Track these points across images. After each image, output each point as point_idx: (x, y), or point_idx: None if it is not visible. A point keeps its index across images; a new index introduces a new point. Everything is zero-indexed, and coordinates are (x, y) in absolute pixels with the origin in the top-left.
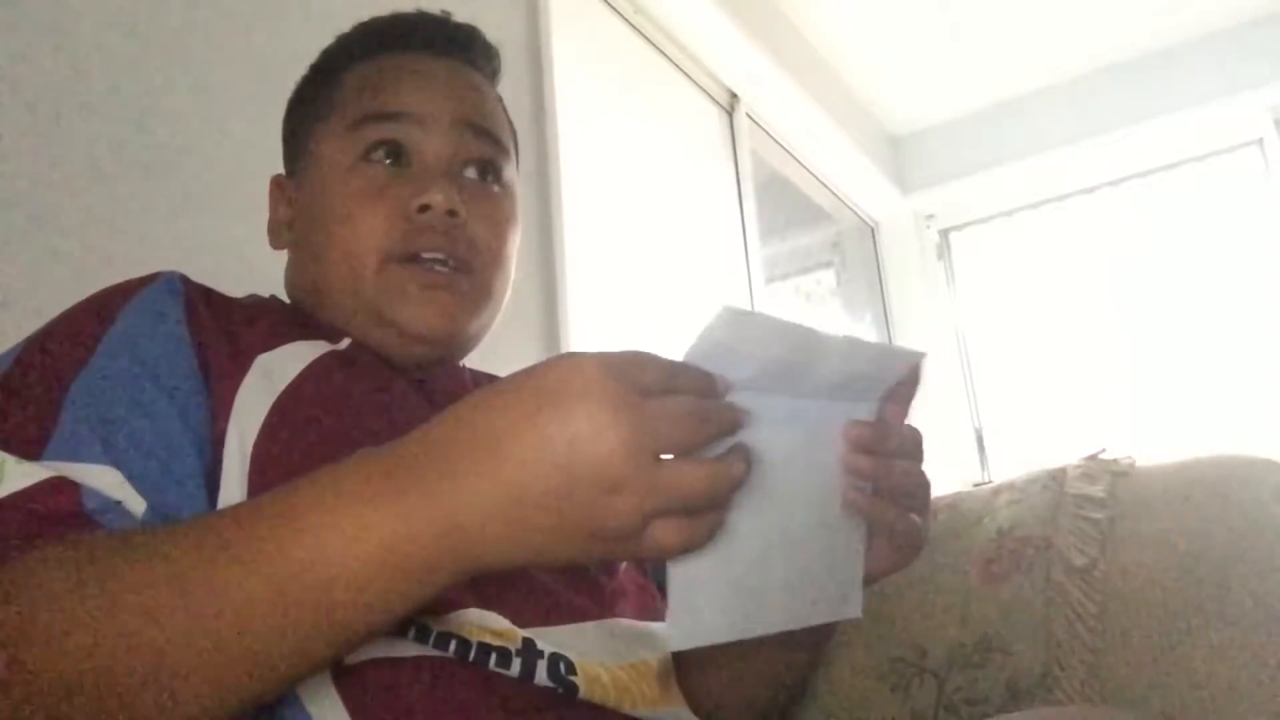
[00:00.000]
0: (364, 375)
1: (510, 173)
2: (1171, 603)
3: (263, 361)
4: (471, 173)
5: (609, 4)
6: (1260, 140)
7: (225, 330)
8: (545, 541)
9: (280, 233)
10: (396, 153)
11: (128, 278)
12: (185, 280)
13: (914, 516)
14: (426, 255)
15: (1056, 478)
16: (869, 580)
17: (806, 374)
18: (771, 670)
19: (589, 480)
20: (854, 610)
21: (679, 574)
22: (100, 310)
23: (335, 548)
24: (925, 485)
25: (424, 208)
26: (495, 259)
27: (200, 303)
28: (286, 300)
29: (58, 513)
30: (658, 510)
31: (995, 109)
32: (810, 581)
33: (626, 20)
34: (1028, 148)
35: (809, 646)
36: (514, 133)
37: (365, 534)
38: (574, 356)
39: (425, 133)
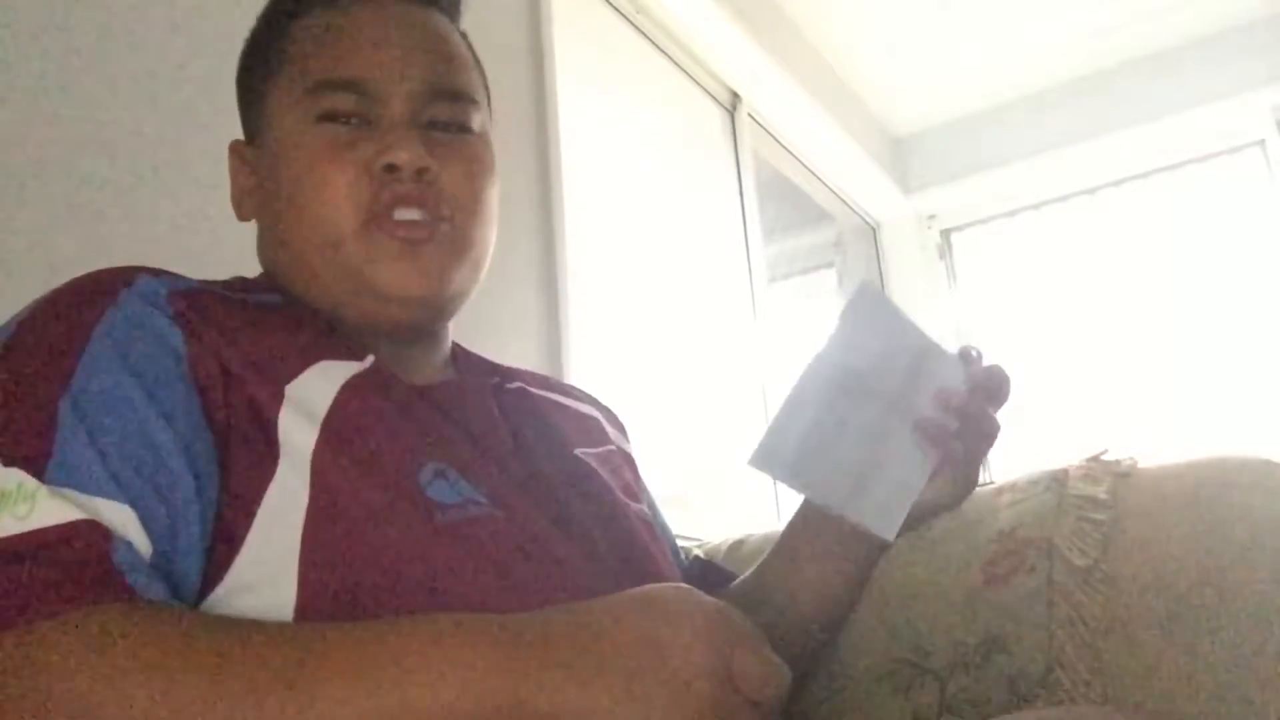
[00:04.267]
0: (393, 398)
1: (481, 119)
2: (1173, 604)
3: (293, 391)
4: (440, 126)
5: (610, 3)
6: (1262, 141)
7: (229, 339)
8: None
9: (244, 202)
10: (359, 116)
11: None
12: (170, 291)
13: (976, 455)
14: (401, 217)
15: (1058, 478)
16: (925, 513)
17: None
18: (821, 576)
19: (662, 681)
20: (890, 533)
21: (789, 411)
22: (77, 310)
23: (446, 703)
24: (995, 430)
25: (391, 167)
26: (473, 208)
27: (190, 311)
28: (260, 275)
29: (90, 562)
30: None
31: (997, 109)
32: (872, 480)
33: (628, 20)
34: (1029, 148)
35: (849, 563)
36: (484, 75)
37: (477, 698)
38: (699, 593)
39: (388, 95)
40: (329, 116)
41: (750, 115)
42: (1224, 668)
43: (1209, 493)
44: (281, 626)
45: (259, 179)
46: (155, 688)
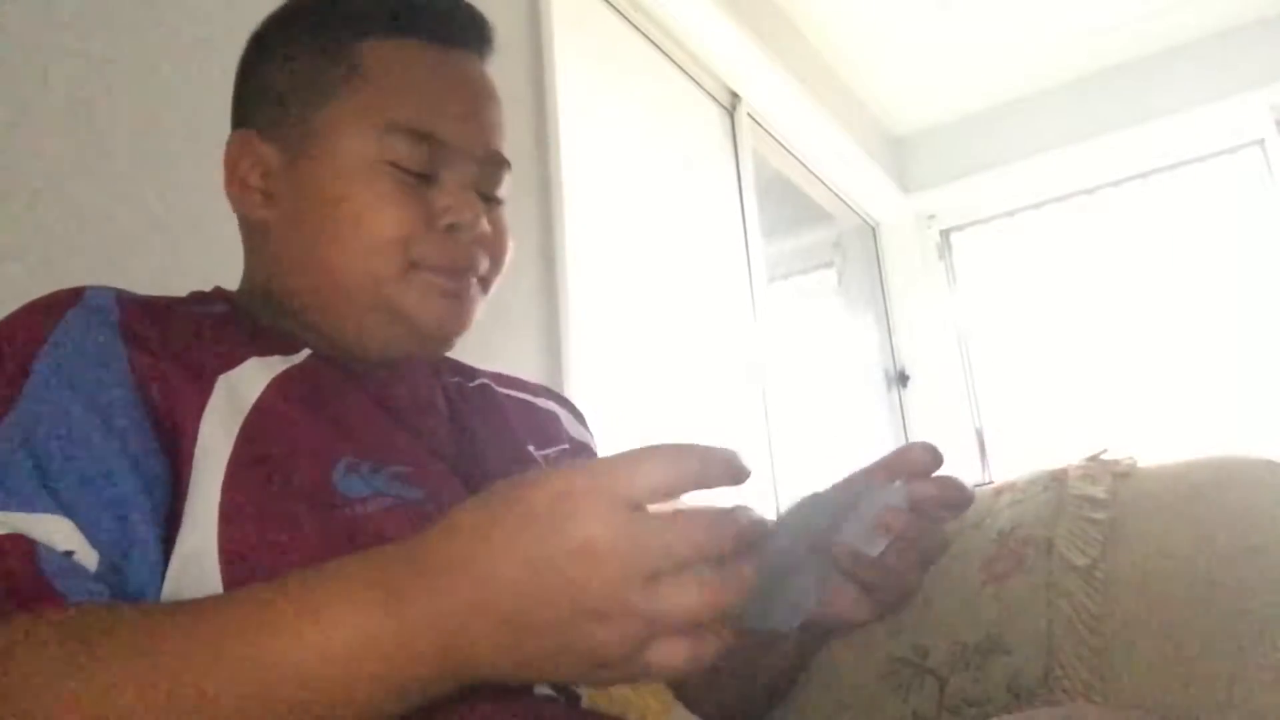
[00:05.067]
0: (324, 390)
1: (509, 182)
2: (1173, 604)
3: (224, 382)
4: (485, 193)
5: (610, 3)
6: (1262, 141)
7: (173, 350)
8: (542, 664)
9: (252, 200)
10: (425, 168)
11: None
12: (118, 297)
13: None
14: (447, 268)
15: (1058, 478)
16: (845, 626)
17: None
18: (750, 671)
19: (575, 610)
20: (794, 624)
21: None
22: (22, 335)
23: (338, 654)
24: (935, 548)
25: (453, 227)
26: (499, 267)
27: (137, 324)
28: (230, 291)
29: (13, 575)
30: (653, 636)
31: (996, 109)
32: (775, 595)
33: (627, 19)
34: (1029, 148)
35: (786, 653)
36: None
37: (367, 643)
38: (563, 474)
39: (452, 161)
40: (394, 162)
41: (750, 115)
42: (1224, 668)
43: (1209, 493)
44: (178, 606)
45: (280, 185)
46: (45, 692)
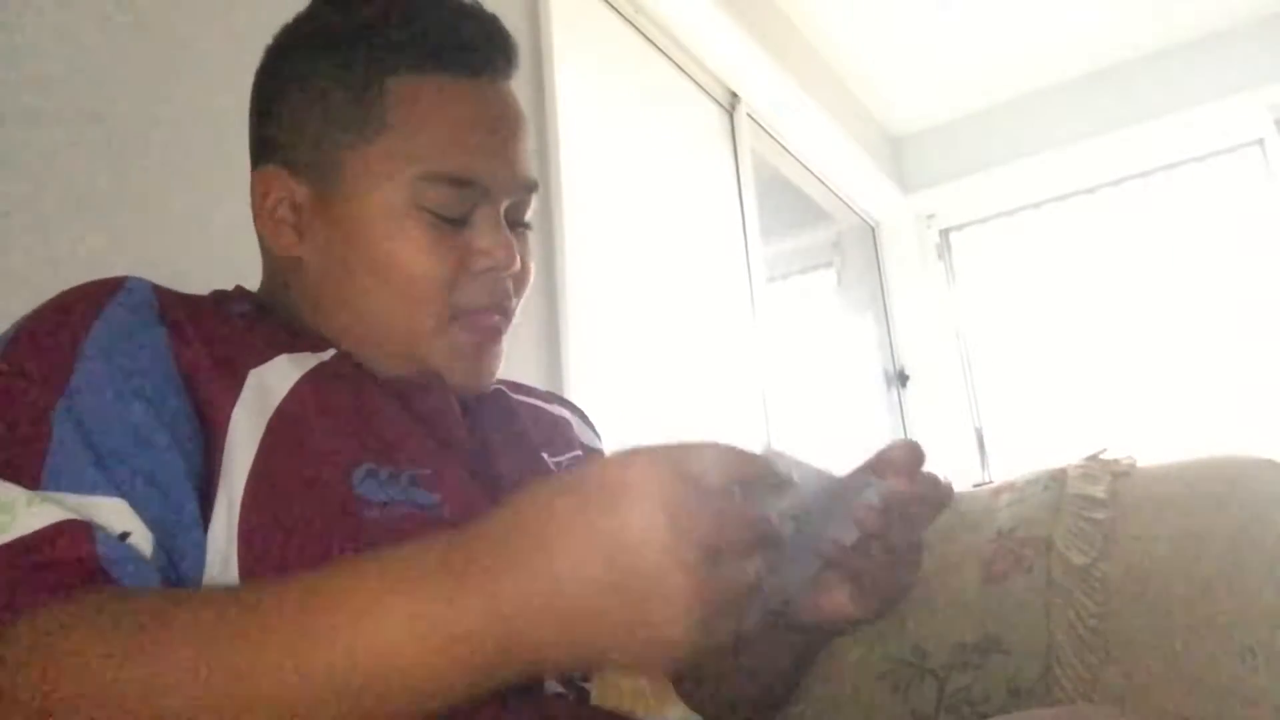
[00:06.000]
0: (351, 390)
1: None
2: (1172, 603)
3: (255, 376)
4: (514, 222)
5: (609, 4)
6: (1261, 140)
7: (207, 342)
8: (600, 646)
9: (285, 236)
10: (461, 211)
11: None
12: (155, 288)
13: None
14: (481, 312)
15: (1057, 478)
16: (835, 632)
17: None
18: (755, 667)
19: (636, 587)
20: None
21: None
22: (69, 321)
23: (392, 642)
24: (907, 552)
25: (491, 269)
26: (523, 293)
27: (176, 313)
28: (253, 291)
29: (71, 560)
30: (712, 612)
31: (995, 109)
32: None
33: (627, 20)
34: (1028, 147)
35: (786, 652)
36: None
37: (423, 630)
38: (633, 453)
39: (489, 198)
40: (429, 208)
41: (749, 115)
42: (1223, 667)
43: (1208, 492)
44: (230, 593)
45: (318, 227)
46: (104, 675)
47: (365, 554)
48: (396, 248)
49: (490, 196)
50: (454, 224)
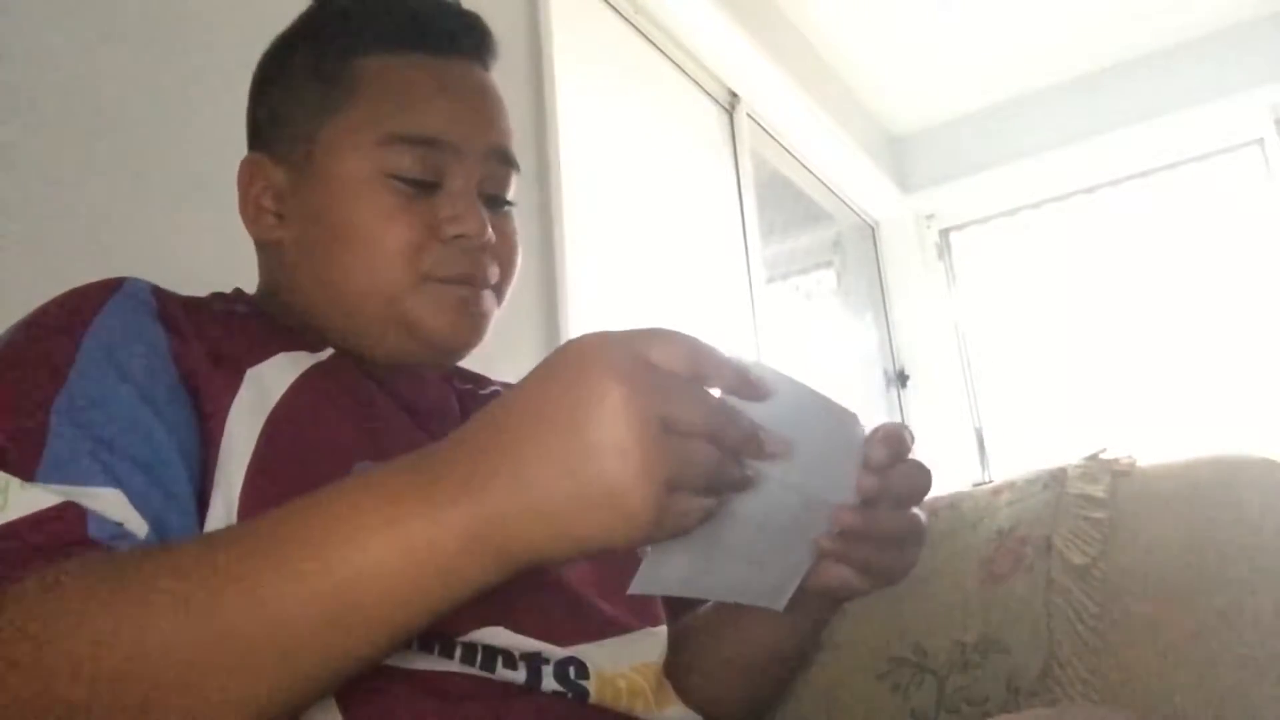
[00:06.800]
0: (348, 389)
1: (516, 185)
2: (1172, 603)
3: (253, 375)
4: (492, 197)
5: (609, 3)
6: (1261, 140)
7: (205, 341)
8: (575, 530)
9: (265, 221)
10: (426, 182)
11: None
12: (155, 289)
13: (889, 553)
14: (457, 279)
15: (1057, 477)
16: (842, 600)
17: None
18: (752, 654)
19: (598, 444)
20: (779, 605)
21: None
22: (69, 320)
23: (371, 550)
24: (914, 529)
25: (459, 236)
26: (509, 274)
27: (174, 313)
28: (251, 293)
29: (64, 539)
30: (670, 479)
31: (995, 109)
32: (763, 568)
33: (627, 20)
34: (1028, 147)
35: (789, 632)
36: None
37: (398, 536)
38: (589, 335)
39: (459, 160)
40: (396, 174)
41: (749, 115)
42: (1223, 667)
43: (1208, 492)
44: (214, 533)
45: (290, 205)
46: (95, 623)
47: (336, 481)
48: (362, 215)
49: (460, 162)
50: (423, 190)
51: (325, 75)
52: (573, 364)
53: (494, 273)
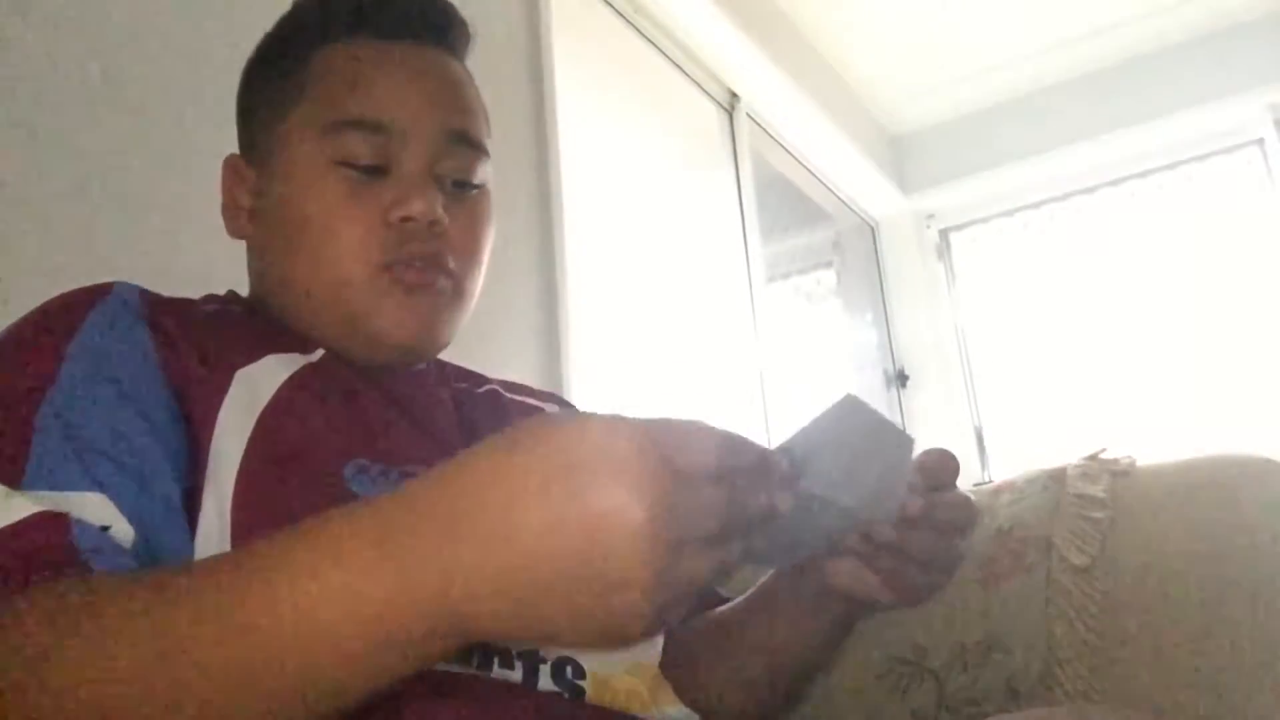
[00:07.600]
0: (339, 389)
1: (486, 170)
2: (1171, 603)
3: (243, 376)
4: (451, 180)
5: (609, 4)
6: (1261, 140)
7: (194, 344)
8: (553, 626)
9: (240, 220)
10: (376, 166)
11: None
12: (142, 293)
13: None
14: (408, 263)
15: (1057, 478)
16: (861, 606)
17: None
18: (762, 646)
19: (603, 572)
20: (782, 564)
21: None
22: (55, 325)
23: (326, 614)
24: (948, 559)
25: (406, 219)
26: (472, 262)
27: (162, 316)
28: (244, 294)
29: (46, 550)
30: (667, 601)
31: (995, 109)
32: (799, 545)
33: (626, 20)
34: (1028, 147)
35: (811, 630)
36: (488, 118)
37: (357, 602)
38: (613, 423)
39: (407, 145)
40: (345, 160)
41: (749, 115)
42: (1223, 667)
43: (1207, 492)
44: (180, 566)
45: (259, 203)
46: (49, 657)
47: (308, 518)
48: (313, 206)
49: (409, 144)
50: (373, 175)
51: (284, 71)
52: (589, 461)
53: (448, 259)
